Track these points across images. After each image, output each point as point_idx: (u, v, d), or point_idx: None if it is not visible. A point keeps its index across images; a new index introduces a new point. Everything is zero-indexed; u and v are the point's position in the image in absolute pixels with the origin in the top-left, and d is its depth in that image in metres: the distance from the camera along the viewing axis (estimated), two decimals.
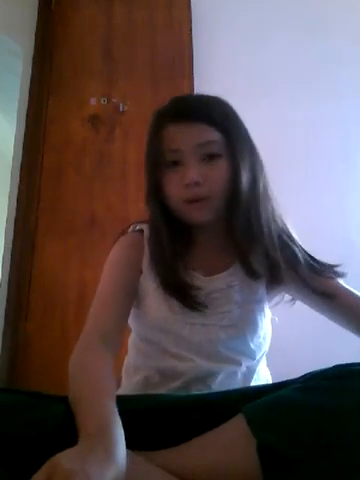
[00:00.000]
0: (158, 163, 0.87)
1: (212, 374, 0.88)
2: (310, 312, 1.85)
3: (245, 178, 0.85)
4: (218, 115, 0.86)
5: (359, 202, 2.08)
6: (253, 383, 0.93)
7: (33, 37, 2.24)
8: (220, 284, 0.90)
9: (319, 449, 0.61)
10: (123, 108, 2.08)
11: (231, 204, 0.84)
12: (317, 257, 0.96)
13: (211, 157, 0.84)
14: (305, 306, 1.84)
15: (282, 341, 1.62)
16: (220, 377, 0.89)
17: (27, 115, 2.12)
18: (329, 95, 2.24)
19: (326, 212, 2.04)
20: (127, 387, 0.95)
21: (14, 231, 1.97)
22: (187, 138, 0.83)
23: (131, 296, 0.89)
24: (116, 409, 0.65)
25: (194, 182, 0.82)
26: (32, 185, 2.03)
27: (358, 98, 2.26)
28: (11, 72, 2.13)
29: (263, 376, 0.97)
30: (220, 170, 0.84)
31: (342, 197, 2.09)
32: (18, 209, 2.00)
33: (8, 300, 1.89)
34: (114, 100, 2.11)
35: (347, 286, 0.93)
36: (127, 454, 0.58)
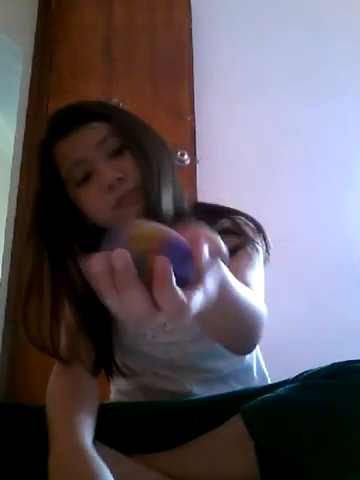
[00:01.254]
0: (67, 185, 0.79)
1: (197, 386, 0.86)
2: (310, 312, 1.85)
3: (152, 162, 0.79)
4: (96, 108, 0.82)
5: (358, 202, 2.08)
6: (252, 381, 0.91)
7: (33, 37, 2.24)
8: None
9: (321, 451, 0.60)
10: (123, 108, 2.08)
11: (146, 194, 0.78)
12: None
13: (117, 152, 0.79)
14: (304, 305, 1.83)
15: (282, 341, 1.63)
16: (206, 386, 0.86)
17: (27, 115, 2.12)
18: (329, 95, 2.24)
19: (325, 212, 2.04)
20: (116, 396, 0.95)
21: (14, 231, 1.97)
22: (83, 143, 0.78)
23: None
24: (89, 431, 0.64)
25: (116, 179, 0.75)
26: (32, 185, 2.03)
27: (358, 98, 2.26)
28: (11, 72, 2.13)
29: (261, 375, 0.95)
30: (130, 159, 0.78)
31: (342, 197, 2.09)
32: (18, 209, 2.00)
33: (8, 300, 1.88)
34: (114, 100, 2.10)
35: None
36: (125, 460, 0.58)
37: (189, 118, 2.05)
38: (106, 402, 0.92)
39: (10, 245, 1.95)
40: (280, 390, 0.68)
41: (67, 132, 0.78)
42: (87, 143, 0.78)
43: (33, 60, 2.20)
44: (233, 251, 0.77)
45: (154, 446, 0.69)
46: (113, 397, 0.96)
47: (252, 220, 0.85)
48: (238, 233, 0.81)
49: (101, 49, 2.21)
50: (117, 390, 0.93)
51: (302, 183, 2.08)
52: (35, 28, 2.25)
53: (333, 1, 2.38)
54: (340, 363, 0.70)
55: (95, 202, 0.78)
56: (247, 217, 0.86)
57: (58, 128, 0.80)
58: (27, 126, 2.11)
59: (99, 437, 0.66)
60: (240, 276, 0.67)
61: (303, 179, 2.08)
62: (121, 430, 0.70)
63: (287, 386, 0.69)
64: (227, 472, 0.64)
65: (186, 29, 2.18)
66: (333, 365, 0.70)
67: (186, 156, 1.88)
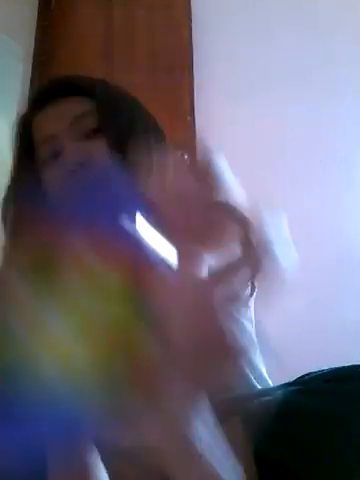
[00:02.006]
0: (37, 164, 0.71)
1: None
2: (310, 312, 1.85)
3: (129, 151, 0.68)
4: (81, 82, 0.74)
5: (358, 202, 2.08)
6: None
7: (33, 37, 2.24)
8: None
9: (321, 458, 0.59)
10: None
11: None
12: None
13: (94, 133, 0.69)
14: (304, 305, 1.83)
15: (281, 341, 1.62)
16: None
17: None
18: (329, 94, 2.23)
19: (325, 212, 2.03)
20: None
21: None
22: (57, 117, 0.70)
23: None
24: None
25: (75, 163, 0.65)
26: None
27: (358, 98, 2.26)
28: (11, 73, 2.13)
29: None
30: (104, 144, 0.68)
31: (342, 197, 2.08)
32: None
33: None
34: None
35: None
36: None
37: (189, 118, 2.05)
38: None
39: None
40: (281, 393, 0.67)
41: (44, 105, 0.71)
42: (61, 118, 0.70)
43: (33, 60, 2.20)
44: None
45: None
46: None
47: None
48: None
49: (101, 49, 2.21)
50: None
51: (302, 183, 2.07)
52: (35, 28, 2.25)
53: (333, 1, 2.38)
54: (345, 367, 0.68)
55: (55, 183, 0.68)
56: None
57: (37, 101, 0.74)
58: None
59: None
60: None
61: (303, 179, 2.08)
62: None
63: (288, 389, 0.68)
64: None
65: (186, 29, 2.18)
66: (338, 369, 0.68)
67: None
